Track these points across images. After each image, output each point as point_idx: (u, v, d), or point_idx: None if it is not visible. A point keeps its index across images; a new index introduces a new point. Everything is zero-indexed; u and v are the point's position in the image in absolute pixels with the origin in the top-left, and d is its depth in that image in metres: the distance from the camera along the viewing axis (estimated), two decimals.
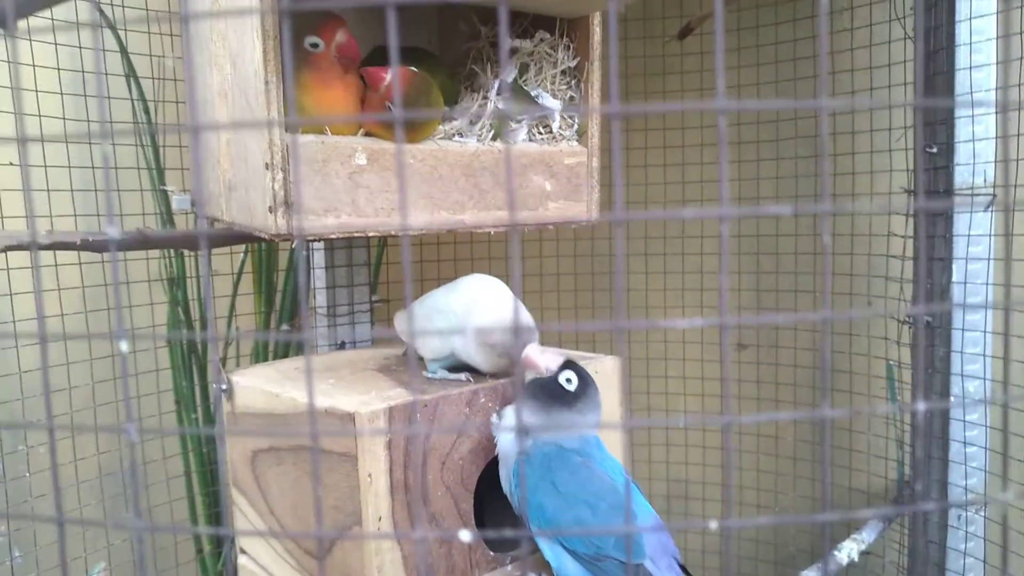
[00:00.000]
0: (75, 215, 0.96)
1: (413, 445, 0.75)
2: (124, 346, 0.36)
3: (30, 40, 0.97)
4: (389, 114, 0.76)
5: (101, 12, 1.02)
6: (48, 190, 0.93)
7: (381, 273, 1.20)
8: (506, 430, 0.76)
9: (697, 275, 1.30)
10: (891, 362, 1.10)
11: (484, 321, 0.78)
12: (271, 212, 0.72)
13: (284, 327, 1.14)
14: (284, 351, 1.14)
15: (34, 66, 0.94)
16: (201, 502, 1.15)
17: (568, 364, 0.74)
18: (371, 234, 0.78)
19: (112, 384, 1.07)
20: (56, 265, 0.93)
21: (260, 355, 1.15)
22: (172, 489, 1.17)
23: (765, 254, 1.27)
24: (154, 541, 1.17)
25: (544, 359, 0.75)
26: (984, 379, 0.97)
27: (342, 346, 1.16)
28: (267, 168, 0.71)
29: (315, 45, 0.76)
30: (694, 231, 1.30)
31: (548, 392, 0.74)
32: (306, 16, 0.74)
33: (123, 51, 1.01)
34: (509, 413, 0.78)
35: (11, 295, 0.92)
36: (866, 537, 1.10)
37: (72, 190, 0.96)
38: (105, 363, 1.07)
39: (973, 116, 0.94)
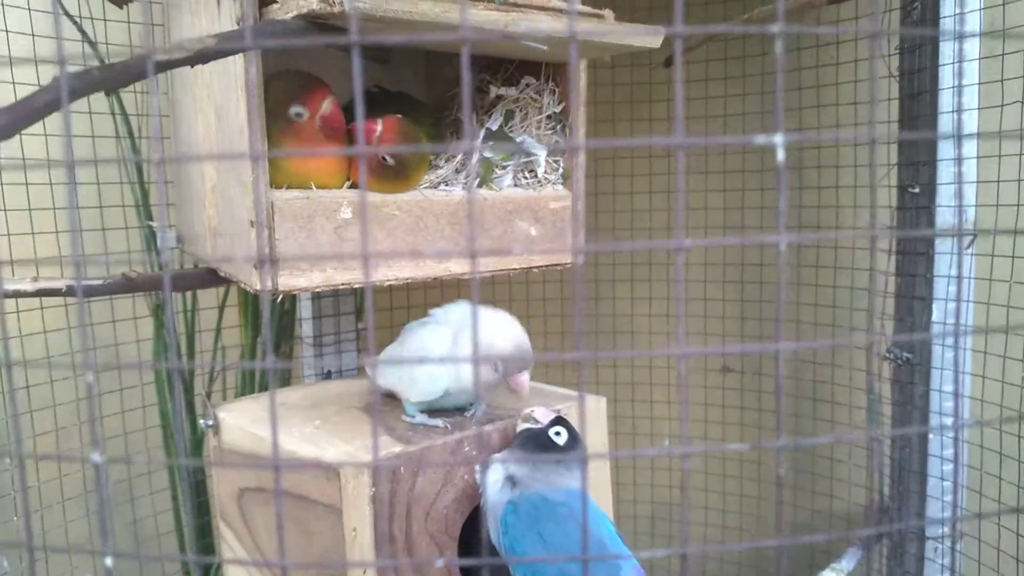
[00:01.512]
0: (60, 256, 0.96)
1: (397, 498, 0.76)
2: (96, 457, 0.37)
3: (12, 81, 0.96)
4: (383, 164, 0.76)
5: (87, 38, 1.02)
6: (32, 233, 0.93)
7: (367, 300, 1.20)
8: (493, 481, 0.77)
9: (682, 300, 1.31)
10: (872, 395, 1.12)
11: (487, 334, 0.77)
12: (256, 269, 0.73)
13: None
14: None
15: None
16: (186, 522, 1.15)
17: (559, 420, 0.75)
18: (356, 286, 0.78)
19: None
20: (42, 308, 0.93)
21: (248, 384, 1.15)
22: (157, 504, 1.17)
23: (750, 283, 1.28)
24: (142, 569, 1.18)
25: (539, 412, 0.77)
26: (960, 416, 0.98)
27: (328, 375, 1.17)
28: (252, 225, 0.72)
29: (299, 114, 0.75)
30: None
31: (537, 444, 0.75)
32: (292, 83, 0.73)
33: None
34: (496, 465, 0.79)
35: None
36: (845, 566, 1.12)
37: (56, 232, 0.95)
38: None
39: (958, 158, 0.95)
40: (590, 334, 1.36)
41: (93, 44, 1.01)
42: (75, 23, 1.00)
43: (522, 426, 0.79)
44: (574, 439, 0.75)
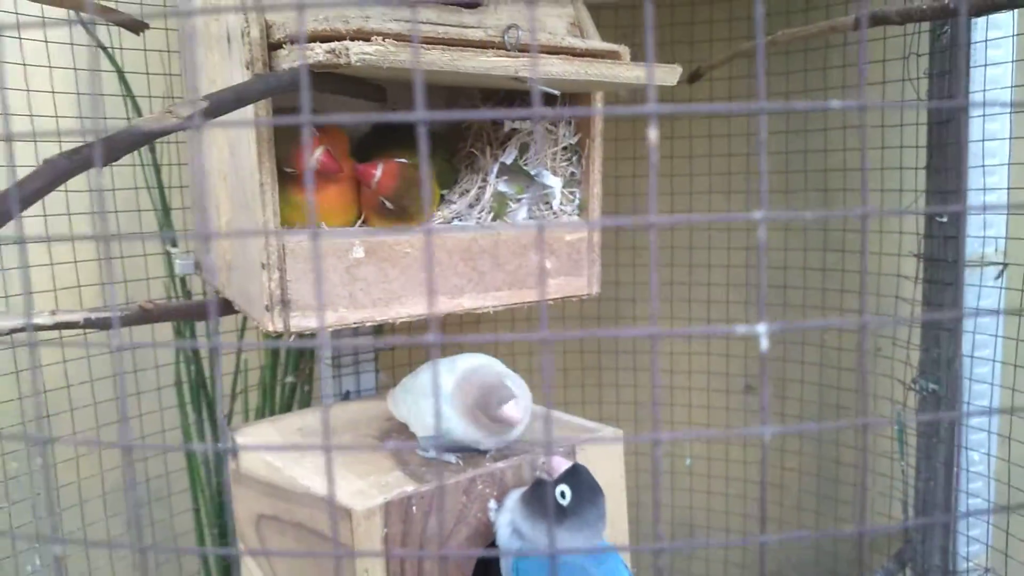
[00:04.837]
0: (79, 286, 0.97)
1: (409, 539, 0.76)
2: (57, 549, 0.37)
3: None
4: (384, 206, 0.76)
5: (116, 66, 1.03)
6: (51, 264, 0.94)
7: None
8: (503, 524, 0.76)
9: (703, 321, 1.30)
10: (898, 426, 1.09)
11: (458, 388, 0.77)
12: (268, 311, 0.73)
13: (289, 378, 1.15)
14: (290, 402, 1.15)
15: (35, 141, 0.94)
16: (208, 520, 1.16)
17: (570, 473, 0.73)
18: (368, 324, 0.78)
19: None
20: (61, 339, 0.94)
21: (268, 402, 1.16)
22: (175, 504, 1.17)
23: (773, 304, 1.26)
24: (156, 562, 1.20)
25: (553, 462, 0.74)
26: (989, 455, 0.96)
27: (347, 395, 1.17)
28: (263, 268, 0.72)
29: (293, 172, 0.74)
30: (700, 259, 1.28)
31: (543, 501, 0.73)
32: (287, 138, 0.72)
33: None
34: (507, 506, 0.78)
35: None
36: None
37: (75, 261, 0.96)
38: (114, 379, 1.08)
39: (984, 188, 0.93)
40: (610, 353, 1.35)
41: (122, 75, 1.01)
42: (108, 55, 1.00)
43: (538, 472, 0.77)
44: (580, 498, 0.71)
